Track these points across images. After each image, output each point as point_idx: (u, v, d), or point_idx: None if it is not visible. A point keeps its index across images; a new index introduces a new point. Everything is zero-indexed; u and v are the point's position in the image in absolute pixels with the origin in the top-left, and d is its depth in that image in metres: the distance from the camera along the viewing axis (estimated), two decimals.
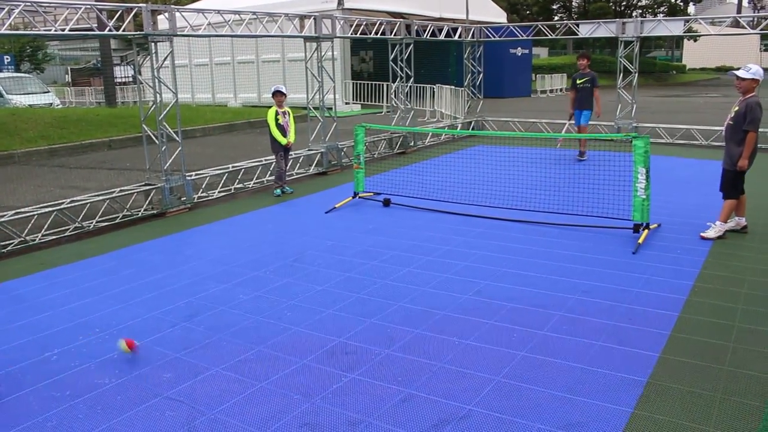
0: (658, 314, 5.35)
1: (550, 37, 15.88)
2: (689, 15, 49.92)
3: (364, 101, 25.87)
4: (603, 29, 14.80)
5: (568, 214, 8.23)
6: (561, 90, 35.60)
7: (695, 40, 57.62)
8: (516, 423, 3.85)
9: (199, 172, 10.54)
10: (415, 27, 14.61)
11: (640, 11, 52.61)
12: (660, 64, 58.48)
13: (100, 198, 8.91)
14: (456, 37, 16.21)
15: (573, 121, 12.76)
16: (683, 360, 4.56)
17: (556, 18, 53.31)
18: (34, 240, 8.04)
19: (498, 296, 5.84)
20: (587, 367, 4.49)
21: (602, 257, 6.87)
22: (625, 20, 14.48)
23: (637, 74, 14.48)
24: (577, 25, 15.36)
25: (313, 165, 12.27)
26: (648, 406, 3.99)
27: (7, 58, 34.54)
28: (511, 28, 17.24)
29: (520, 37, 17.24)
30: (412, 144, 14.84)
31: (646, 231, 7.45)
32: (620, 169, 8.19)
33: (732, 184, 7.48)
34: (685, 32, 14.61)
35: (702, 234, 7.50)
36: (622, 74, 14.68)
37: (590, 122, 13.02)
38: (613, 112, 15.17)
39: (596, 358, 4.61)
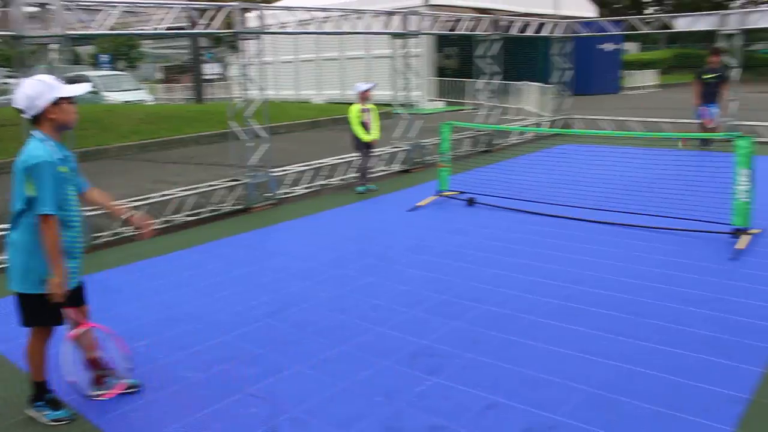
0: (762, 326, 5.00)
1: (643, 31, 15.25)
2: None
3: (447, 98, 25.67)
4: (702, 22, 14.03)
5: (661, 217, 7.81)
6: (653, 87, 34.23)
7: None
8: None
9: (283, 168, 10.65)
10: (503, 23, 14.34)
11: (741, 1, 50.05)
12: (761, 58, 55.48)
13: (189, 193, 9.13)
14: (545, 33, 15.83)
15: (700, 113, 13.30)
16: None
17: (648, 11, 51.38)
18: (126, 232, 8.29)
19: (588, 302, 5.61)
20: (683, 381, 4.23)
21: (698, 263, 6.51)
22: (727, 11, 13.73)
23: (739, 70, 13.67)
24: (673, 19, 14.67)
25: (397, 162, 12.22)
26: (750, 425, 3.73)
27: (104, 57, 36.18)
28: (600, 23, 16.65)
29: (611, 32, 16.64)
30: (497, 142, 14.59)
31: (748, 236, 7.03)
32: (718, 170, 7.74)
33: None
34: None
35: None
36: None
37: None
38: None
39: (693, 372, 4.35)
